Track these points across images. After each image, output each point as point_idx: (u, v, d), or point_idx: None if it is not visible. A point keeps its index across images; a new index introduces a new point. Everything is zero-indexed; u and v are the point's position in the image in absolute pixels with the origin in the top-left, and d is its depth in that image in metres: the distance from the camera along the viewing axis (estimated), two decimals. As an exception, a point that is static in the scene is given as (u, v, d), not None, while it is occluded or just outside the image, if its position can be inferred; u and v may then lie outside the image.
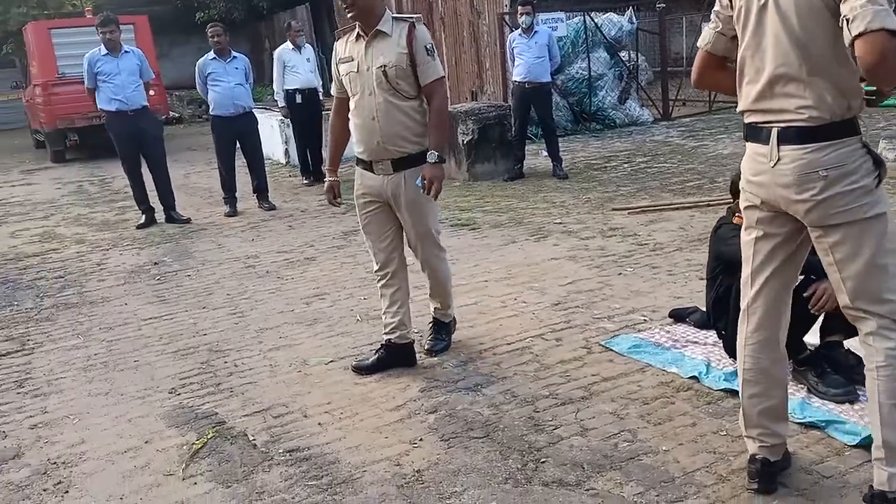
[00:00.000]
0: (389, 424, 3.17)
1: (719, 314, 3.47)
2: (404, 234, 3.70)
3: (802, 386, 3.15)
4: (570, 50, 11.40)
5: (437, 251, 3.73)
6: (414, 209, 3.56)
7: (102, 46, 7.15)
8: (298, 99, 8.89)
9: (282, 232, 6.91)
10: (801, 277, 2.72)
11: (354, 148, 3.64)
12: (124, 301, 5.20)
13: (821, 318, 3.22)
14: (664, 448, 2.82)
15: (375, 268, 3.73)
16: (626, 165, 8.74)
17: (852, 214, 2.19)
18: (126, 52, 7.27)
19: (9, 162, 14.30)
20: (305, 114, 8.99)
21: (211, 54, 7.68)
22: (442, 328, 3.93)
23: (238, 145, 7.92)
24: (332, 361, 3.87)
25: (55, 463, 3.09)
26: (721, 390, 3.21)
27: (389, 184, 3.53)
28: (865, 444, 2.70)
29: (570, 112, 11.68)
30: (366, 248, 3.85)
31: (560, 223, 6.31)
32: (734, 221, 3.39)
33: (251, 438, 3.15)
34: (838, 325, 2.95)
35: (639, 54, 12.69)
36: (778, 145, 2.24)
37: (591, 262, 5.18)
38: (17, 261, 6.59)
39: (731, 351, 3.39)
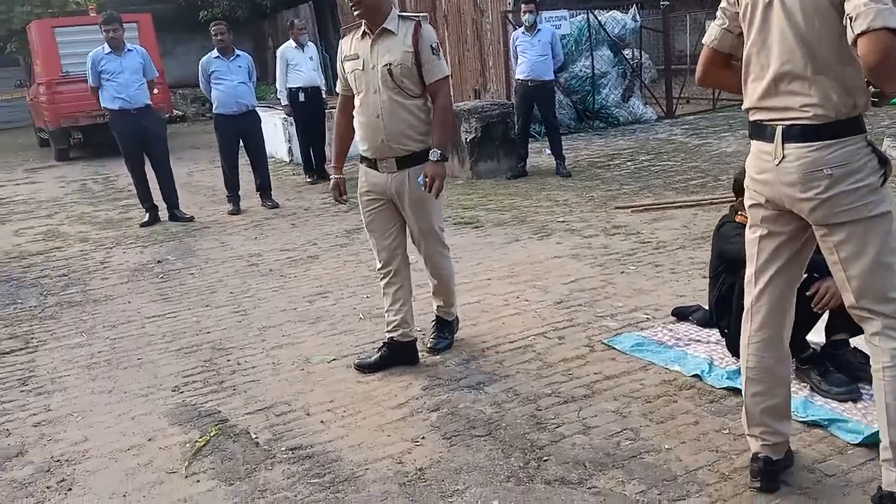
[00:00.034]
0: (392, 422, 3.18)
1: (722, 312, 3.46)
2: (408, 231, 3.71)
3: (805, 384, 3.14)
4: (574, 48, 11.39)
5: (440, 248, 3.74)
6: (418, 207, 3.56)
7: (106, 45, 7.17)
8: (301, 97, 8.89)
9: (285, 230, 6.92)
10: (805, 276, 2.72)
11: (359, 146, 3.65)
12: (128, 299, 5.21)
13: (826, 317, 3.21)
14: (666, 446, 2.82)
15: (378, 266, 3.73)
16: (629, 163, 8.73)
17: (857, 213, 2.18)
18: (129, 50, 7.28)
19: (13, 160, 14.33)
20: (308, 112, 9.00)
21: (214, 52, 7.69)
22: (445, 326, 3.93)
23: (241, 144, 7.92)
24: (334, 360, 3.88)
25: (58, 461, 3.09)
26: (724, 389, 3.20)
27: (394, 181, 3.54)
28: (868, 442, 2.70)
29: (573, 110, 11.67)
30: (369, 246, 3.86)
31: (563, 221, 6.30)
32: (737, 220, 3.39)
33: (254, 436, 3.15)
34: (843, 323, 2.94)
35: (642, 52, 12.68)
36: (783, 143, 2.23)
37: (594, 260, 5.18)
38: (21, 259, 6.61)
39: (733, 349, 3.38)
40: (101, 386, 3.80)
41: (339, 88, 3.69)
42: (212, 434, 3.19)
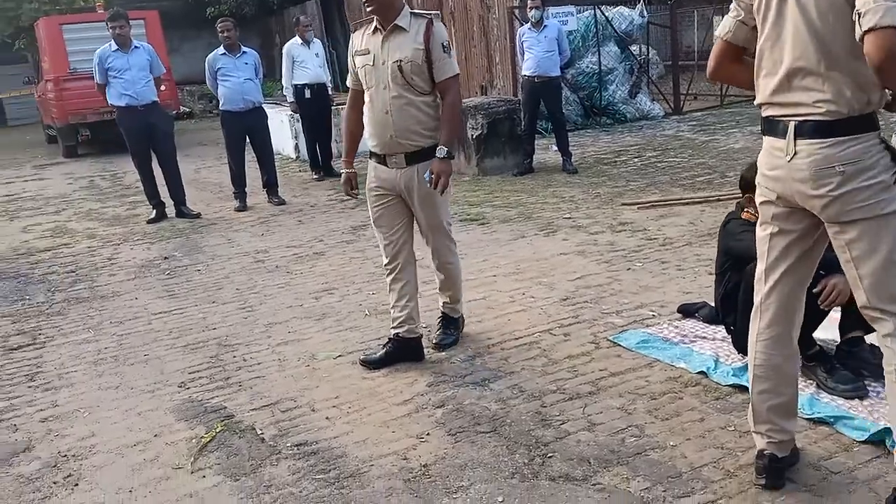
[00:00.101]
0: (397, 419, 3.18)
1: (728, 309, 3.45)
2: (415, 226, 3.72)
3: (811, 381, 3.13)
4: (581, 44, 11.35)
5: (448, 243, 3.76)
6: (426, 202, 3.58)
7: (113, 42, 7.18)
8: (307, 94, 8.89)
9: (291, 227, 6.93)
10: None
11: (368, 142, 3.66)
12: (135, 295, 5.23)
13: (839, 315, 3.20)
14: (671, 443, 2.81)
15: (385, 261, 3.73)
16: (636, 160, 8.71)
17: (870, 210, 2.15)
18: (136, 47, 7.28)
19: (21, 157, 14.39)
20: (314, 109, 8.99)
21: (221, 49, 7.69)
22: (451, 323, 3.94)
23: (248, 140, 7.93)
24: (340, 356, 3.88)
25: (65, 456, 3.11)
26: (729, 386, 3.19)
27: (403, 177, 3.55)
28: (874, 440, 2.69)
29: (580, 106, 11.64)
30: (375, 242, 3.86)
31: (569, 218, 6.30)
32: (743, 216, 3.38)
33: (259, 432, 3.16)
34: (856, 320, 2.92)
35: (650, 48, 12.63)
36: (795, 139, 2.21)
37: (599, 257, 5.17)
38: (29, 255, 6.64)
39: (739, 346, 3.38)
40: (108, 382, 3.82)
41: (349, 83, 3.70)
42: (217, 430, 3.21)
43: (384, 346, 3.76)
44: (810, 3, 2.12)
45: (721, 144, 9.21)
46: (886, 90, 2.14)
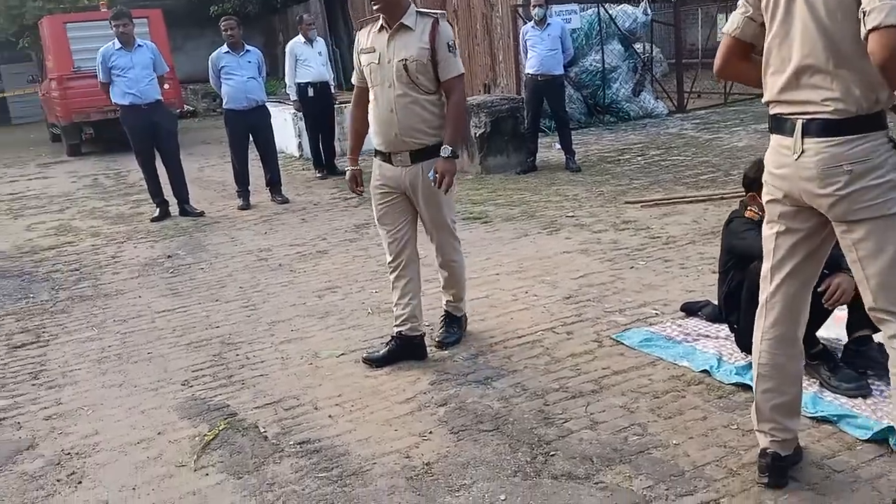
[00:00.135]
0: (399, 417, 3.18)
1: (731, 308, 3.45)
2: (419, 225, 3.73)
3: (815, 380, 3.12)
4: (584, 42, 11.33)
5: (452, 240, 3.77)
6: (431, 200, 3.59)
7: (116, 40, 7.19)
8: (310, 92, 8.88)
9: (294, 225, 6.93)
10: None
11: (372, 140, 3.66)
12: (138, 294, 5.24)
13: (845, 315, 3.19)
14: (674, 442, 2.81)
15: (388, 259, 3.74)
16: (639, 158, 8.70)
17: (877, 210, 2.13)
18: (140, 45, 7.29)
19: (25, 155, 14.41)
20: (318, 107, 8.99)
21: (224, 48, 7.70)
22: (454, 321, 3.94)
23: (251, 139, 7.94)
24: (343, 354, 3.89)
25: (69, 454, 3.12)
26: (732, 384, 3.19)
27: (408, 175, 3.56)
28: (877, 438, 2.69)
29: (583, 104, 11.62)
30: (378, 241, 3.87)
31: (572, 216, 6.29)
32: (747, 215, 3.38)
33: (262, 430, 3.17)
34: (864, 319, 2.91)
35: (653, 46, 12.61)
36: (802, 137, 2.19)
37: (603, 255, 5.16)
38: (33, 254, 6.65)
39: (742, 345, 3.37)
40: (112, 380, 3.83)
41: (354, 80, 3.70)
42: (220, 428, 3.21)
43: (387, 344, 3.76)
44: (819, 0, 2.10)
45: (725, 143, 9.19)
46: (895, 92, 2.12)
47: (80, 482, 2.90)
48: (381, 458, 2.88)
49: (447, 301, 3.93)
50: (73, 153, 13.48)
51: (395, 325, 3.72)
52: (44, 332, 4.61)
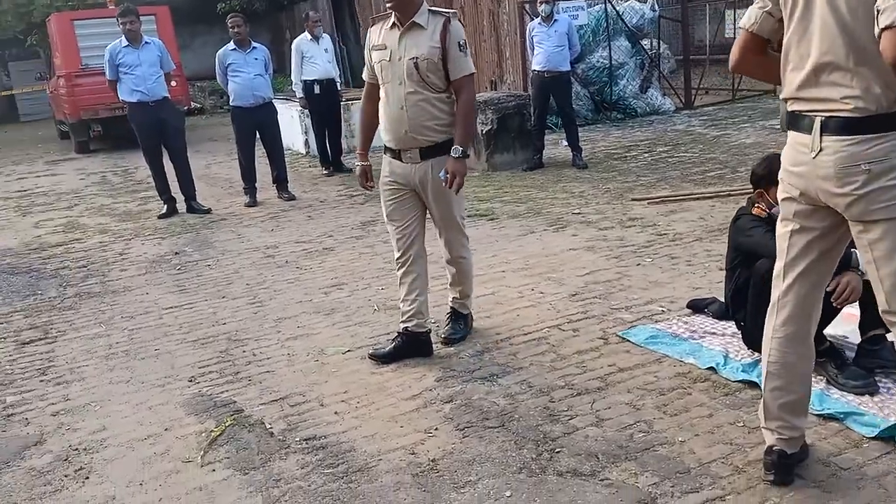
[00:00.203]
0: (405, 413, 3.19)
1: (738, 305, 3.44)
2: (428, 222, 3.74)
3: (822, 377, 3.11)
4: (591, 38, 11.30)
5: (461, 238, 3.78)
6: (441, 197, 3.60)
7: (123, 38, 7.21)
8: (317, 90, 8.89)
9: (301, 222, 6.95)
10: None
11: (382, 136, 3.67)
12: (145, 290, 5.26)
13: (858, 313, 3.18)
14: (680, 439, 2.81)
15: (396, 255, 3.74)
16: (646, 155, 8.68)
17: (894, 210, 2.10)
18: (147, 42, 7.31)
19: (34, 153, 14.48)
20: (324, 104, 9.00)
21: (231, 45, 7.71)
22: (460, 318, 3.94)
23: (258, 136, 7.95)
24: (349, 351, 3.90)
25: (76, 449, 3.13)
26: (739, 382, 3.18)
27: (417, 171, 3.57)
28: (884, 436, 2.68)
29: (590, 101, 11.60)
30: (384, 238, 3.87)
31: (579, 213, 6.28)
32: (754, 212, 3.36)
33: (268, 426, 3.18)
34: (877, 317, 2.89)
35: (661, 42, 12.55)
36: (820, 135, 2.16)
37: (609, 252, 5.16)
38: (42, 250, 6.68)
39: (749, 342, 3.37)
40: (119, 376, 3.84)
41: (365, 76, 3.72)
42: (227, 424, 3.22)
43: (393, 340, 3.77)
44: None
45: (732, 139, 9.15)
46: None
47: (88, 477, 2.92)
48: (386, 454, 2.88)
49: (454, 298, 3.94)
50: (82, 150, 13.53)
51: (402, 321, 3.73)
52: (52, 329, 4.63)
